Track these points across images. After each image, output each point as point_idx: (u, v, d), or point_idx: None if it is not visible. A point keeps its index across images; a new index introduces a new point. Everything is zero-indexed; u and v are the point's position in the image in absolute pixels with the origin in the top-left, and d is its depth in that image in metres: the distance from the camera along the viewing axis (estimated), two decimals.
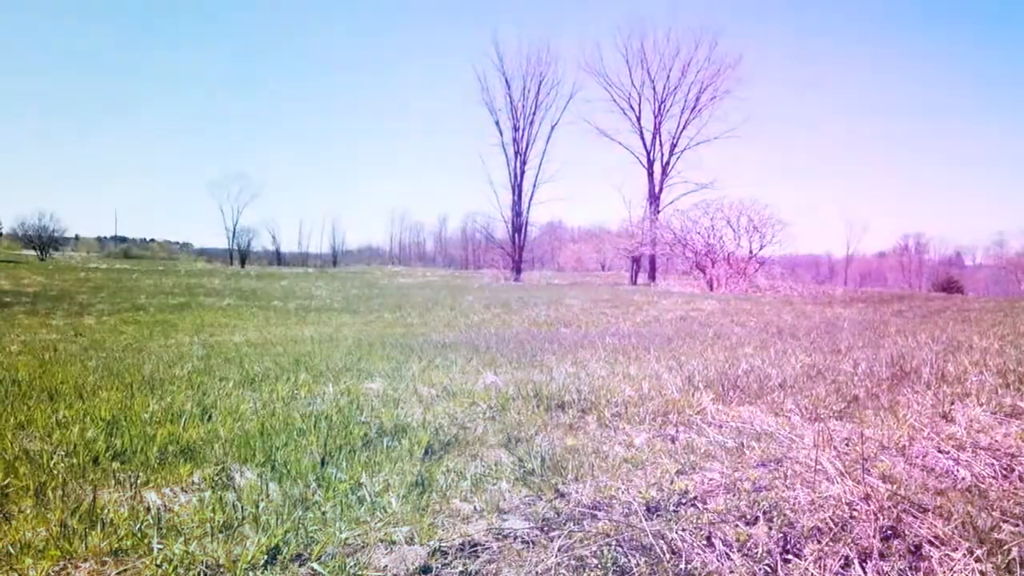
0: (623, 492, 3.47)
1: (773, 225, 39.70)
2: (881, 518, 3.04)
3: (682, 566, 2.75)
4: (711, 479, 3.67)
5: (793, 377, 6.54)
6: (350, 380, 6.88)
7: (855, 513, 3.11)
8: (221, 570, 2.75)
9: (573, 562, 2.77)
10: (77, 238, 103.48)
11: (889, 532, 2.97)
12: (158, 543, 2.94)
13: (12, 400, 5.94)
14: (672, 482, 3.60)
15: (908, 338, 10.35)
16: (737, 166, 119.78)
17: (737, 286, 35.09)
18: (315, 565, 2.77)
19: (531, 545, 2.95)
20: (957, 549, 2.84)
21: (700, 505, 3.31)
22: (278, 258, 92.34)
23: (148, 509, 3.39)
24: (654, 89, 53.96)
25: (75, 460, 4.18)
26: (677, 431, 4.80)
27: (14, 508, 3.45)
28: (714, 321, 16.91)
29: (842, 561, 2.78)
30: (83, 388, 6.51)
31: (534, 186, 56.51)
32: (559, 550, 2.85)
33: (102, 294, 26.32)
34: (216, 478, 3.94)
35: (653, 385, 6.26)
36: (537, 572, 2.73)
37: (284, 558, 2.82)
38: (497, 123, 56.27)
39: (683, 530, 3.01)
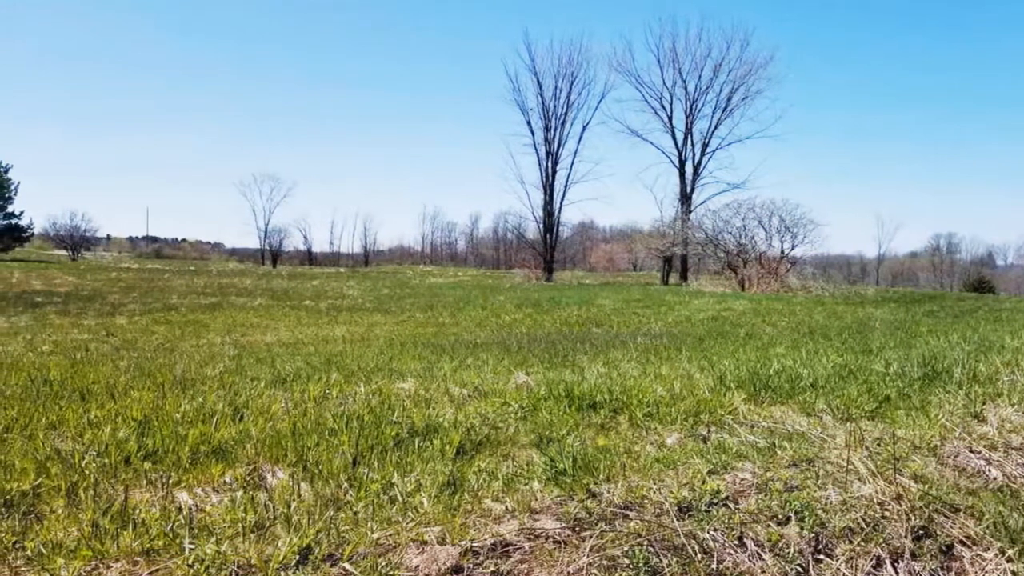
0: (655, 492, 3.48)
1: (805, 225, 39.36)
2: (913, 518, 3.03)
3: (714, 566, 2.76)
4: (743, 479, 3.67)
5: (825, 377, 6.50)
6: (381, 380, 6.93)
7: (887, 513, 3.11)
8: (253, 570, 2.76)
9: (605, 562, 2.79)
10: (108, 238, 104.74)
11: (921, 532, 2.97)
12: (190, 543, 2.95)
13: (44, 400, 6.00)
14: (704, 482, 3.60)
15: (939, 338, 10.23)
16: (769, 165, 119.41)
17: (768, 286, 34.80)
18: (347, 565, 2.77)
19: (563, 545, 2.96)
20: (989, 549, 2.84)
21: (732, 505, 3.31)
22: (309, 258, 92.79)
23: (180, 509, 3.40)
24: (686, 89, 53.64)
25: (106, 460, 4.21)
26: (709, 431, 4.80)
27: (46, 508, 3.49)
28: (745, 321, 16.83)
29: (874, 561, 2.79)
30: (114, 388, 6.57)
31: (566, 186, 56.43)
32: (591, 550, 2.87)
33: (133, 294, 26.69)
34: (248, 478, 3.97)
35: (685, 385, 6.25)
36: (569, 572, 2.75)
37: (315, 558, 2.83)
38: (528, 123, 56.25)
39: (715, 530, 3.01)
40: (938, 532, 2.97)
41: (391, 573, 2.75)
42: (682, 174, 53.80)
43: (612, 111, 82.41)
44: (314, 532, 3.05)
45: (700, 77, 53.24)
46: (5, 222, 66.73)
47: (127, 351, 10.78)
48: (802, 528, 3.03)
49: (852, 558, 2.80)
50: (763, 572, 2.74)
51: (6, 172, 66.01)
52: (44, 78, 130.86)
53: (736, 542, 2.93)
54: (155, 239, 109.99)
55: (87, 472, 3.99)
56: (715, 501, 3.35)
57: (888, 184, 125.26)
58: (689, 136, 54.05)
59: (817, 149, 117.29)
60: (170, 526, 3.17)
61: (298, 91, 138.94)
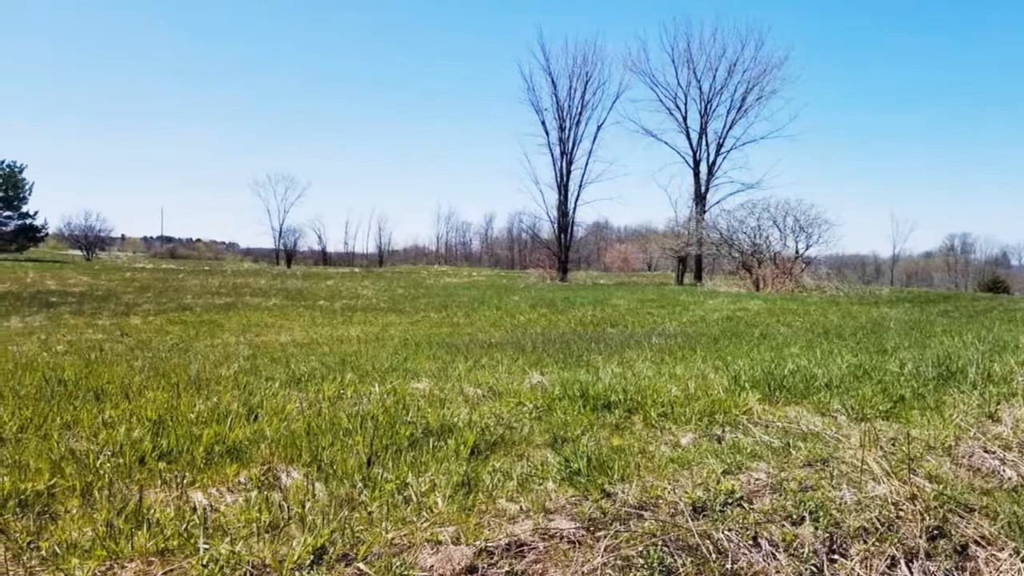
0: (669, 492, 3.48)
1: (819, 225, 39.18)
2: (927, 518, 3.03)
3: (728, 566, 2.77)
4: (757, 479, 3.67)
5: (839, 377, 6.48)
6: (396, 380, 6.94)
7: (901, 513, 3.11)
8: (267, 570, 2.77)
9: (619, 562, 2.80)
10: (123, 238, 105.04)
11: (935, 532, 2.97)
12: (204, 543, 2.96)
13: (58, 400, 6.03)
14: (718, 482, 3.60)
15: (954, 338, 10.19)
16: (783, 165, 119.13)
17: (783, 286, 34.65)
18: (361, 565, 2.78)
19: (577, 545, 2.97)
20: (1003, 549, 2.84)
21: (746, 505, 3.32)
22: (324, 258, 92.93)
23: (194, 509, 3.42)
24: (700, 89, 53.31)
25: (121, 460, 4.22)
26: (723, 431, 4.80)
27: (60, 508, 3.50)
28: (760, 321, 16.75)
29: (888, 561, 2.79)
30: (129, 388, 6.60)
31: (580, 186, 56.17)
32: (605, 550, 2.88)
33: (148, 294, 26.70)
34: (262, 478, 3.98)
35: (699, 385, 6.25)
36: (583, 572, 2.76)
37: (330, 558, 2.84)
38: (543, 123, 56.03)
39: (729, 530, 3.02)
40: (953, 532, 2.97)
41: (406, 573, 2.76)
42: (696, 174, 53.58)
43: (627, 111, 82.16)
44: (328, 532, 3.06)
45: (715, 77, 52.97)
46: (19, 222, 67.26)
47: (141, 351, 10.81)
48: (816, 528, 3.03)
49: (866, 558, 2.80)
50: (777, 572, 2.74)
51: (20, 172, 66.55)
52: (58, 78, 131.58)
53: (750, 542, 2.94)
54: (169, 239, 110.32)
55: (102, 472, 4.01)
56: (730, 501, 3.35)
57: (903, 184, 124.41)
58: (704, 136, 53.81)
59: (832, 149, 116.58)
60: (184, 526, 3.19)
61: (312, 91, 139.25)
